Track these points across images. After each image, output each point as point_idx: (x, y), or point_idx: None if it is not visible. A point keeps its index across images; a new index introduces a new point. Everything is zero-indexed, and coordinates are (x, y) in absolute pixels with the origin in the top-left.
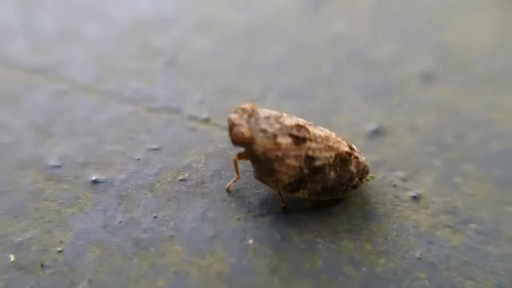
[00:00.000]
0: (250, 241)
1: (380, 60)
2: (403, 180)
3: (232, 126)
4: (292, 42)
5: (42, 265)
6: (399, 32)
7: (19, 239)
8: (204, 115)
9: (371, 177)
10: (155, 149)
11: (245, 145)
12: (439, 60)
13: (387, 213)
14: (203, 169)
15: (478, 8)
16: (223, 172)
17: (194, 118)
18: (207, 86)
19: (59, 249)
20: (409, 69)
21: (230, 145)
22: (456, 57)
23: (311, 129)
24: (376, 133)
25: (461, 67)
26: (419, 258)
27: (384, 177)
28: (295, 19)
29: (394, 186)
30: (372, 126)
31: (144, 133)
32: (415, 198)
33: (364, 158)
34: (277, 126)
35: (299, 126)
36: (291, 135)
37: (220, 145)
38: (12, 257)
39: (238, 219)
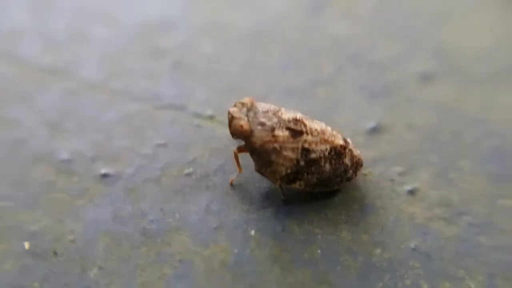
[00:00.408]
0: (252, 232)
1: (379, 61)
2: (400, 175)
3: (231, 119)
4: (294, 43)
5: (55, 253)
6: (398, 33)
7: (33, 228)
8: (209, 112)
9: (369, 172)
10: (162, 145)
11: (244, 138)
12: (438, 61)
13: (384, 206)
14: (207, 164)
15: (476, 10)
16: (226, 167)
17: (199, 115)
18: (212, 86)
19: (71, 237)
20: (408, 70)
21: (233, 141)
22: (454, 58)
23: (307, 122)
24: (375, 130)
25: (459, 68)
26: (414, 249)
27: (382, 172)
28: (297, 21)
29: (392, 180)
30: (371, 124)
31: (151, 129)
32: (412, 192)
33: (358, 152)
34: (275, 119)
35: (296, 120)
36: (288, 128)
37: (223, 141)
38: (26, 245)
39: (241, 211)
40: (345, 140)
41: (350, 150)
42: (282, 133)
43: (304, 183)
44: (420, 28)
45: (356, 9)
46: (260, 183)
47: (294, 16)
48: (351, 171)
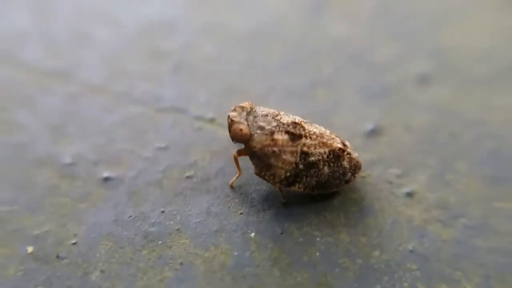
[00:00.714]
0: (252, 234)
1: (378, 62)
2: (398, 177)
3: (231, 124)
4: (294, 44)
5: (57, 256)
6: (397, 35)
7: (36, 232)
8: (209, 115)
9: (367, 174)
10: (163, 148)
11: (244, 141)
12: (436, 62)
13: (382, 208)
14: (208, 166)
15: (475, 10)
16: (227, 170)
17: (199, 118)
18: (212, 87)
19: (74, 241)
20: (406, 71)
21: (233, 143)
22: (452, 59)
23: (306, 126)
24: (374, 132)
25: (457, 69)
26: (411, 251)
27: (380, 174)
28: (297, 23)
29: (390, 183)
30: (369, 126)
31: (152, 132)
32: (409, 194)
33: (356, 155)
34: (274, 123)
35: (295, 124)
36: (287, 132)
37: (224, 144)
38: (29, 249)
39: (241, 213)
40: (343, 143)
41: (348, 153)
42: (281, 137)
43: (303, 185)
44: (419, 29)
45: (355, 10)
46: (259, 186)
47: (294, 17)
48: (349, 174)
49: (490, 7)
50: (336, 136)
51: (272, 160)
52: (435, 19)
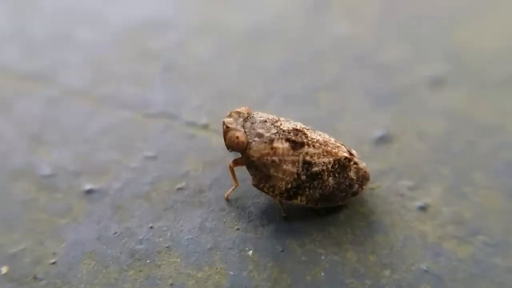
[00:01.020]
0: (250, 252)
1: (387, 64)
2: (411, 189)
3: (226, 130)
4: (294, 45)
5: (34, 277)
6: (407, 34)
7: (11, 250)
8: (203, 121)
9: (377, 186)
10: (152, 157)
11: (240, 150)
12: (449, 64)
13: (393, 224)
14: (201, 177)
15: (489, 11)
16: (222, 181)
17: (192, 124)
18: (206, 91)
19: (52, 260)
20: (418, 74)
21: (229, 152)
22: (467, 61)
23: (309, 133)
24: (383, 139)
25: (472, 72)
26: (425, 271)
27: (390, 186)
28: (298, 21)
29: (401, 195)
30: (378, 133)
31: (140, 140)
32: (423, 208)
33: (364, 164)
34: (274, 130)
35: (296, 131)
36: (288, 140)
37: (219, 152)
38: (4, 269)
39: (238, 229)
40: (349, 152)
41: (355, 162)
42: (281, 145)
43: (306, 198)
44: (431, 27)
45: (361, 8)
46: (258, 199)
47: (295, 15)
48: (356, 185)
49: (506, 5)
50: (342, 144)
51: (272, 171)
52: (448, 17)
